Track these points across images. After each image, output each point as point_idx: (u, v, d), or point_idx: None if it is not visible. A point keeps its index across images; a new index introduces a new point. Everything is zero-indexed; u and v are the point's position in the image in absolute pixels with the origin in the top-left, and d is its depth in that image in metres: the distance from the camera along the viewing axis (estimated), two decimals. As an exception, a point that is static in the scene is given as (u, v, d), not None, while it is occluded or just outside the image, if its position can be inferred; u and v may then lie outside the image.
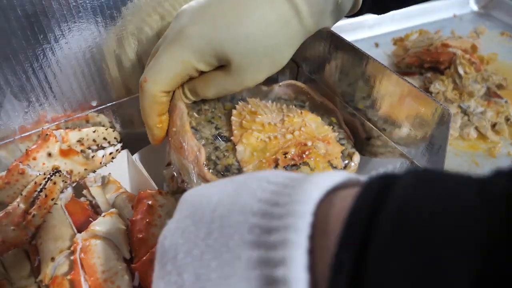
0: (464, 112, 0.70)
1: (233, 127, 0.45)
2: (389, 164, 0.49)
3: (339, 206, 0.17)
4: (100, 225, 0.37)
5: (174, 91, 0.44)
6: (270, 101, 0.51)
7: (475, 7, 1.02)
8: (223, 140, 0.44)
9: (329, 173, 0.20)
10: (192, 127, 0.44)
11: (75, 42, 0.42)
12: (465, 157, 0.66)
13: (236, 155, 0.43)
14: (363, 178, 0.20)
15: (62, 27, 0.41)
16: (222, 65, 0.41)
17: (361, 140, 0.50)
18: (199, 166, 0.40)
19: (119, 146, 0.49)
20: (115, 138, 0.48)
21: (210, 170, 0.41)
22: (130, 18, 0.45)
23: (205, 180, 0.40)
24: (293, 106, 0.50)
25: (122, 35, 0.45)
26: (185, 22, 0.37)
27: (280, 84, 0.52)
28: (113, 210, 0.39)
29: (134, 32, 0.46)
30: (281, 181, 0.20)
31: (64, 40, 0.42)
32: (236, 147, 0.43)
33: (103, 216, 0.38)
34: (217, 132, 0.45)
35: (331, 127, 0.49)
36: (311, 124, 0.47)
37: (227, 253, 0.18)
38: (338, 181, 0.20)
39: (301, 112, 0.49)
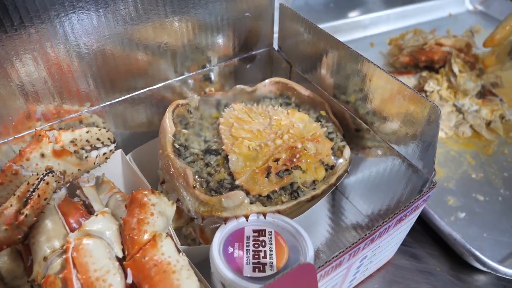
0: (459, 111, 0.71)
1: (223, 136, 0.46)
2: (382, 163, 0.49)
3: None
4: (93, 224, 0.37)
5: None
6: (255, 104, 0.51)
7: (470, 6, 1.03)
8: (213, 154, 0.44)
9: None
10: (180, 145, 0.44)
11: (68, 42, 0.43)
12: (460, 155, 0.66)
13: (227, 168, 0.43)
14: None
15: (54, 23, 0.41)
16: None
17: (350, 131, 0.51)
18: (189, 188, 0.41)
19: (112, 146, 0.49)
20: (108, 138, 0.48)
21: (203, 187, 0.41)
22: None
23: (198, 200, 0.41)
24: (279, 106, 0.50)
25: (118, 37, 0.46)
26: None
27: (265, 83, 0.53)
28: (106, 209, 0.40)
29: (131, 34, 0.46)
30: None
31: (57, 40, 0.42)
32: (229, 156, 0.43)
33: (96, 215, 0.38)
34: (206, 146, 0.45)
35: (320, 122, 0.49)
36: (299, 124, 0.48)
37: None
38: None
39: (288, 112, 0.49)
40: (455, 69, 0.73)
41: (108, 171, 0.50)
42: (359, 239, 0.37)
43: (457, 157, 0.66)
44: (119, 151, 0.52)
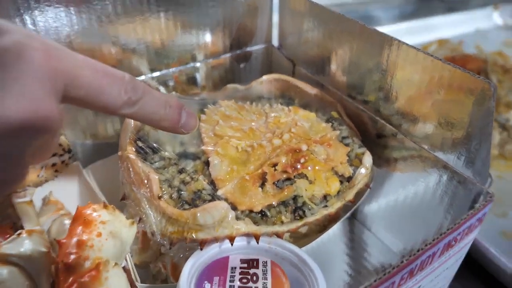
0: (503, 127, 0.63)
1: (203, 135, 0.38)
2: (413, 178, 0.40)
3: None
4: (12, 246, 0.29)
5: None
6: (248, 102, 0.44)
7: (499, 21, 0.99)
8: (190, 159, 0.36)
9: None
10: (147, 146, 0.36)
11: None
12: (509, 178, 0.57)
13: (208, 176, 0.34)
14: None
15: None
16: None
17: (370, 138, 0.43)
18: (153, 199, 0.32)
19: (66, 156, 0.42)
20: (61, 145, 0.41)
21: (173, 198, 0.33)
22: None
23: (166, 216, 0.32)
24: (279, 104, 0.43)
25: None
26: None
27: (262, 80, 0.46)
28: (36, 228, 0.31)
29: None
30: None
31: None
32: (210, 159, 0.35)
33: (18, 234, 0.30)
34: (183, 149, 0.37)
35: (330, 124, 0.41)
36: (303, 123, 0.39)
37: None
38: None
39: (289, 109, 0.42)
40: (494, 79, 0.66)
41: (61, 188, 0.42)
42: (393, 268, 0.27)
43: (506, 181, 0.57)
44: (76, 163, 0.44)
